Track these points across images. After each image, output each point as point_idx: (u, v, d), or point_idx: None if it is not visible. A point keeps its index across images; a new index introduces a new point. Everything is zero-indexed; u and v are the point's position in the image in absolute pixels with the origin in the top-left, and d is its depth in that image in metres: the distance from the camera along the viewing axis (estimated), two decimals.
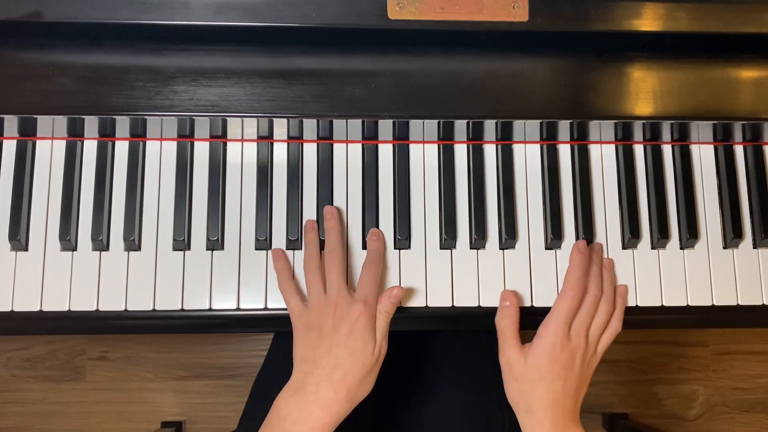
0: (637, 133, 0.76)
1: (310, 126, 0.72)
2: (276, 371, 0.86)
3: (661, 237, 0.74)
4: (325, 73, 0.68)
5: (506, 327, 0.68)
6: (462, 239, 0.74)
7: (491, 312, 0.72)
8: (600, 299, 0.70)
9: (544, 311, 0.72)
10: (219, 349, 1.47)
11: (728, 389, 1.53)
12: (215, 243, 0.72)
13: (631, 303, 0.73)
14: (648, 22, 0.69)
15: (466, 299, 0.72)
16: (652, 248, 0.75)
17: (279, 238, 0.73)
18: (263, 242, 0.72)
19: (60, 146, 0.73)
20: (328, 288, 0.67)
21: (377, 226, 0.73)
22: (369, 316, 0.65)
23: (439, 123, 0.72)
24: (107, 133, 0.72)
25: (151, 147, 0.74)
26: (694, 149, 0.78)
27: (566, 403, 0.66)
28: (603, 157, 0.77)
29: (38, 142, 0.73)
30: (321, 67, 0.68)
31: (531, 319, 0.74)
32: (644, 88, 0.70)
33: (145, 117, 0.68)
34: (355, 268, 0.72)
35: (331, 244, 0.70)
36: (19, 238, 0.70)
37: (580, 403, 0.67)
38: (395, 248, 0.73)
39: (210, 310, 0.71)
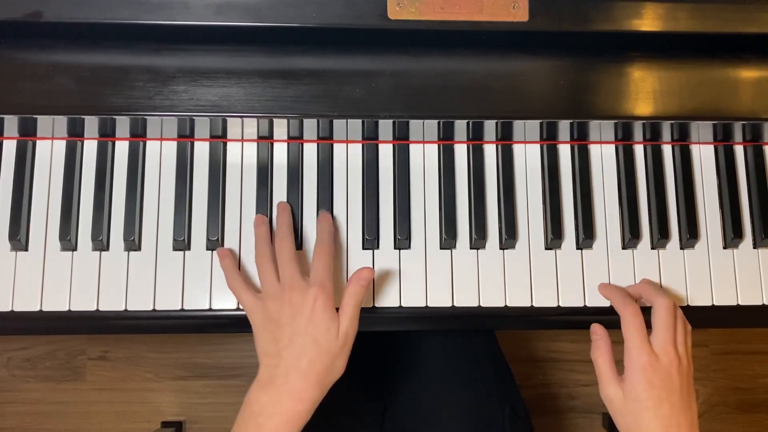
0: (637, 133, 0.76)
1: (310, 126, 0.72)
2: None
3: (661, 237, 0.74)
4: (325, 73, 0.68)
5: (600, 361, 0.66)
6: (462, 239, 0.74)
7: (491, 312, 0.72)
8: (673, 307, 0.66)
9: (544, 311, 0.73)
10: (219, 349, 1.47)
11: (728, 389, 1.53)
12: (215, 243, 0.71)
13: None
14: (648, 22, 0.69)
15: (466, 299, 0.72)
16: (652, 248, 0.75)
17: None
18: None
19: (60, 146, 0.73)
20: (281, 276, 0.65)
21: (377, 226, 0.73)
22: (326, 298, 0.63)
23: (439, 123, 0.72)
24: (107, 133, 0.72)
25: (151, 147, 0.74)
26: (694, 149, 0.78)
27: (681, 425, 0.63)
28: (603, 157, 0.77)
29: (38, 142, 0.73)
30: (321, 67, 0.68)
31: (530, 319, 0.74)
32: (644, 88, 0.70)
33: (145, 117, 0.68)
34: (356, 267, 0.72)
35: (280, 232, 0.69)
36: (19, 238, 0.70)
37: (696, 420, 0.64)
38: (395, 248, 0.73)
39: (210, 310, 0.71)
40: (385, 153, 0.75)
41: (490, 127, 0.73)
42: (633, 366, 0.64)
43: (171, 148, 0.74)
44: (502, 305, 0.73)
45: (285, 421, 0.61)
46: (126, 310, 0.70)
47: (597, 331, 0.68)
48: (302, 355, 0.62)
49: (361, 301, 0.65)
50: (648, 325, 0.66)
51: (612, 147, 0.77)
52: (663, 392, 0.63)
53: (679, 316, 0.67)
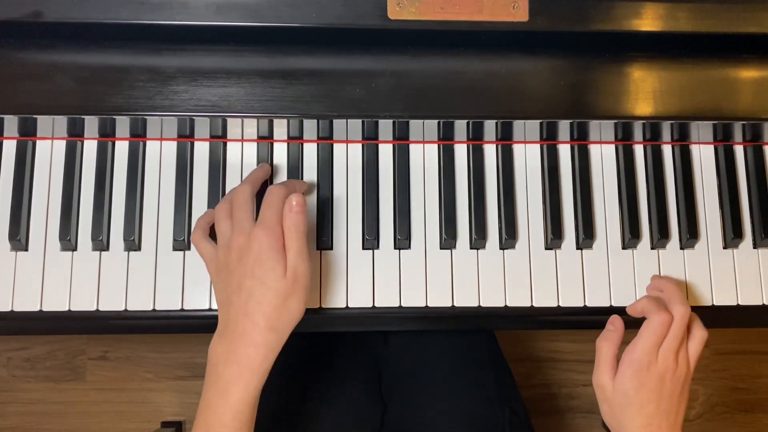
0: (637, 133, 0.76)
1: (310, 126, 0.72)
2: (273, 371, 0.86)
3: (661, 237, 0.74)
4: (325, 73, 0.68)
5: (605, 351, 0.67)
6: (462, 239, 0.74)
7: (491, 312, 0.72)
8: (689, 318, 0.66)
9: (544, 311, 0.73)
10: None
11: (728, 389, 1.53)
12: None
13: (630, 303, 0.73)
14: (648, 22, 0.69)
15: (466, 299, 0.72)
16: (652, 248, 0.75)
17: None
18: None
19: (60, 146, 0.73)
20: (233, 222, 0.63)
21: (377, 226, 0.73)
22: (270, 237, 0.60)
23: (439, 123, 0.72)
24: (107, 133, 0.72)
25: (151, 147, 0.74)
26: (694, 149, 0.78)
27: (662, 425, 0.64)
28: (603, 157, 0.77)
29: (38, 142, 0.73)
30: (321, 67, 0.68)
31: (530, 319, 0.74)
32: (644, 88, 0.70)
33: (145, 117, 0.68)
34: (355, 267, 0.72)
35: (246, 180, 0.67)
36: (19, 238, 0.70)
37: (680, 421, 0.65)
38: (395, 248, 0.73)
39: (210, 310, 0.71)
40: (385, 153, 0.75)
41: (490, 127, 0.73)
42: (631, 363, 0.64)
43: (171, 148, 0.74)
44: (502, 305, 0.73)
45: (241, 369, 0.59)
46: (126, 310, 0.70)
47: (615, 322, 0.68)
48: (250, 298, 0.60)
49: (304, 232, 0.62)
50: None
51: (612, 147, 0.77)
52: (652, 394, 0.64)
53: (696, 321, 0.68)
